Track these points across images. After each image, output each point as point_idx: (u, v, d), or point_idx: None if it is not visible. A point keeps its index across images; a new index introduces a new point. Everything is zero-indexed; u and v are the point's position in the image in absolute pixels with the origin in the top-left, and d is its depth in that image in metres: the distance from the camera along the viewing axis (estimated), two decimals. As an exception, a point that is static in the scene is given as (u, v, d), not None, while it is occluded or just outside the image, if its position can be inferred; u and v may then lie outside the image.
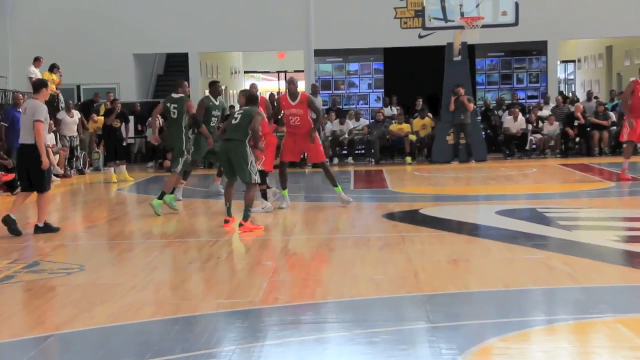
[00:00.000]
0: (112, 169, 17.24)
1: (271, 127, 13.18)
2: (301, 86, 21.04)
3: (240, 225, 9.89)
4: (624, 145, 15.20)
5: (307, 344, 5.42)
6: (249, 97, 10.77)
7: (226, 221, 10.20)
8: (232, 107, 14.30)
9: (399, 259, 7.94)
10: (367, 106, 26.33)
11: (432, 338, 5.34)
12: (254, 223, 10.02)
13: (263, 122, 10.56)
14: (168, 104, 12.06)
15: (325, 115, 20.68)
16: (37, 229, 10.06)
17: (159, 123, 21.20)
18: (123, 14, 24.13)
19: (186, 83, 12.51)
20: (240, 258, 8.75)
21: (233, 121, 10.12)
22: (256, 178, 10.01)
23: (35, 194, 10.20)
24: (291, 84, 11.91)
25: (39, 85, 10.30)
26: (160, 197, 11.65)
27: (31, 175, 10.05)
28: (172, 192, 11.99)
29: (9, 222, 9.99)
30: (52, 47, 22.70)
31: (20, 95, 16.27)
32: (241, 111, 10.27)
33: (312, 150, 11.96)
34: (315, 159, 12.15)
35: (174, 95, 12.13)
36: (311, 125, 11.68)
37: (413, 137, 20.21)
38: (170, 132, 12.31)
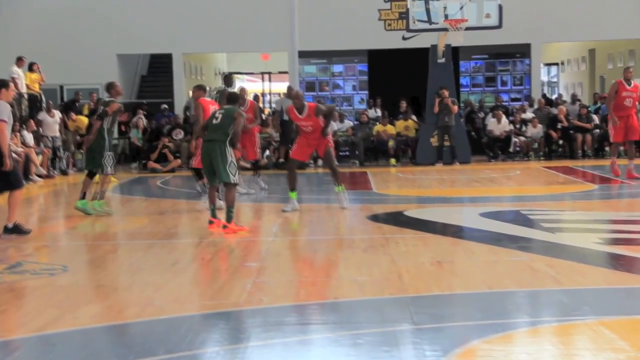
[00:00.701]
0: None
1: (255, 127, 13.27)
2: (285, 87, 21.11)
3: (224, 227, 9.88)
4: (611, 146, 15.87)
5: (291, 346, 5.43)
6: (229, 96, 10.66)
7: (210, 222, 10.16)
8: None
9: (383, 261, 7.96)
10: (351, 108, 26.38)
11: (416, 340, 5.36)
12: (238, 224, 10.00)
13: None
14: (101, 107, 12.18)
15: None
16: (6, 230, 9.80)
17: (143, 124, 21.19)
18: (107, 14, 24.03)
19: (118, 85, 12.32)
20: (225, 259, 8.74)
21: (214, 121, 10.01)
22: (236, 179, 9.94)
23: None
24: (296, 99, 11.72)
25: None
26: (82, 198, 11.72)
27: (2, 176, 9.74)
28: (102, 197, 11.94)
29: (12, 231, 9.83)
30: (35, 46, 22.59)
31: None
32: (222, 111, 10.14)
33: (322, 146, 11.83)
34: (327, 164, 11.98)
35: (106, 99, 12.25)
36: (320, 128, 11.58)
37: (392, 143, 20.23)
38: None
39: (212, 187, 10.26)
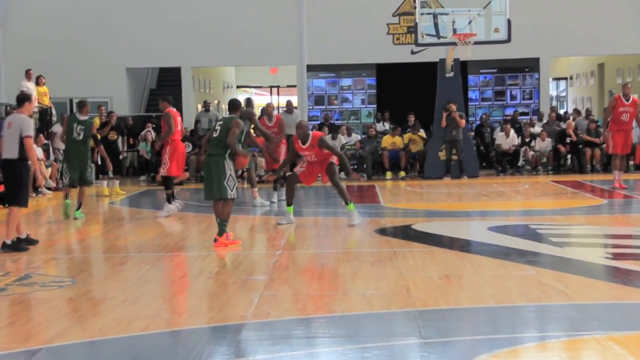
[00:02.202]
0: (104, 182, 17.21)
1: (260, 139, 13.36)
2: (294, 101, 21.13)
3: (215, 240, 9.87)
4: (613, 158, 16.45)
5: (298, 359, 5.43)
6: (230, 103, 10.51)
7: (215, 239, 10.12)
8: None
9: (391, 275, 7.95)
10: (359, 121, 26.39)
11: (423, 354, 5.36)
12: (230, 239, 9.95)
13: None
14: (74, 125, 13.01)
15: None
16: (4, 246, 9.80)
17: (151, 137, 21.27)
18: (116, 28, 24.15)
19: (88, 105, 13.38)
20: (232, 272, 8.74)
21: (214, 134, 9.95)
22: (233, 193, 9.83)
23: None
24: (299, 128, 11.51)
25: (21, 100, 10.16)
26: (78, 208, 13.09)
27: (9, 190, 9.91)
28: (79, 207, 13.14)
29: (22, 241, 9.94)
30: (45, 60, 22.76)
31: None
32: (221, 122, 10.04)
33: (326, 172, 11.74)
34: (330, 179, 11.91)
35: (80, 117, 13.10)
36: (330, 156, 11.44)
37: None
38: (77, 152, 13.05)
39: (216, 202, 10.09)
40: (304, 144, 11.41)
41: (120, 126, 18.15)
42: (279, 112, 18.80)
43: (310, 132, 11.57)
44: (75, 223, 12.72)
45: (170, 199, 13.37)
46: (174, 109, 13.42)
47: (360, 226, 11.33)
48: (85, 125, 13.06)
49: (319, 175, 12.00)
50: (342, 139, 21.35)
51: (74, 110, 20.39)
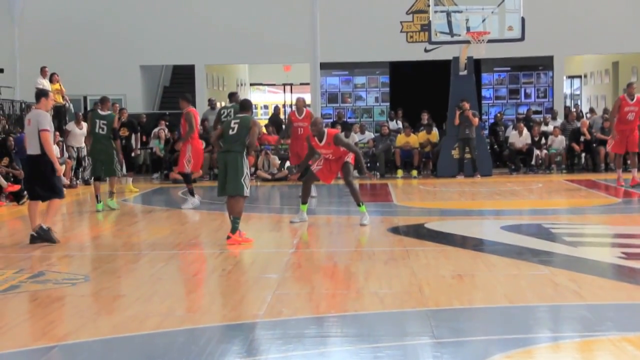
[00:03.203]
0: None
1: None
2: (307, 98, 21.14)
3: (228, 237, 9.89)
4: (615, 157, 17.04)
5: (311, 358, 5.42)
6: (242, 103, 10.52)
7: (229, 237, 10.13)
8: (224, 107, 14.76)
9: (404, 274, 7.93)
10: (372, 119, 26.35)
11: (436, 353, 5.34)
12: (242, 236, 9.96)
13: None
14: (96, 120, 13.61)
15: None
16: (41, 230, 10.04)
17: (164, 134, 21.31)
18: (130, 26, 24.23)
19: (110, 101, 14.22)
20: (245, 270, 8.75)
21: (230, 132, 9.94)
22: (248, 191, 9.88)
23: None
24: (314, 125, 11.44)
25: (38, 95, 10.43)
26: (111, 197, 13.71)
27: (40, 186, 10.09)
28: (111, 196, 13.75)
29: (36, 240, 10.03)
30: (60, 57, 22.85)
31: None
32: (237, 120, 10.05)
33: (341, 171, 11.71)
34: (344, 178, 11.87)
35: (101, 112, 13.67)
36: (347, 154, 11.42)
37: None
38: (101, 145, 13.65)
39: (229, 199, 10.10)
40: (320, 141, 11.39)
41: (132, 123, 18.19)
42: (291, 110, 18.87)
43: (325, 130, 11.53)
44: (94, 217, 12.80)
45: (193, 192, 13.84)
46: (194, 108, 13.91)
47: (373, 225, 11.30)
48: (107, 119, 13.60)
49: (338, 173, 11.95)
50: (355, 136, 21.31)
51: (93, 107, 20.66)
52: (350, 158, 11.55)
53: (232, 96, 15.71)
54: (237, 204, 9.90)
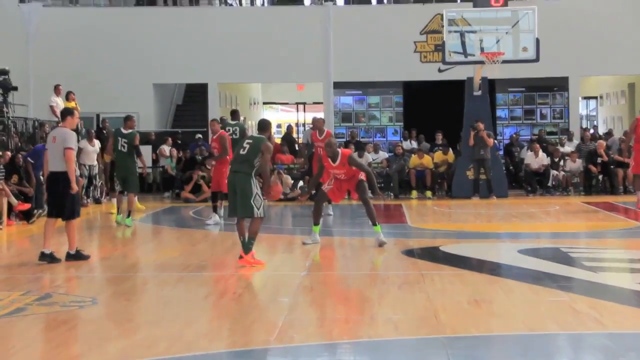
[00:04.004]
0: (114, 199, 16.93)
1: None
2: (320, 116, 21.02)
3: (240, 257, 9.74)
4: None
5: (323, 388, 5.26)
6: (260, 124, 10.37)
7: (241, 257, 9.98)
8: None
9: (419, 299, 7.76)
10: (385, 139, 26.23)
11: (454, 384, 5.16)
12: (256, 258, 9.79)
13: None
14: (118, 138, 14.25)
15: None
16: (69, 256, 10.22)
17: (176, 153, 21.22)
18: (144, 45, 24.26)
19: (133, 119, 14.74)
20: (256, 294, 8.60)
21: (241, 151, 9.81)
22: (260, 212, 9.67)
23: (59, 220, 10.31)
24: (328, 147, 11.30)
25: (64, 114, 10.64)
26: (128, 215, 14.13)
27: (60, 203, 10.17)
28: (128, 215, 14.17)
29: (45, 259, 10.08)
30: (73, 75, 22.83)
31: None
32: (250, 140, 9.92)
33: (353, 185, 11.58)
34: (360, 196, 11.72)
35: (124, 130, 14.28)
36: (359, 173, 11.28)
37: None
38: (123, 162, 14.31)
39: (240, 221, 9.92)
40: (334, 162, 11.25)
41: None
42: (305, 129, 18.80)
43: (339, 150, 11.40)
44: (104, 237, 12.76)
45: (217, 209, 14.20)
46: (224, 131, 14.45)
47: (387, 247, 11.13)
48: (128, 138, 14.18)
49: (348, 191, 11.83)
50: (369, 156, 21.17)
51: (103, 125, 20.73)
52: (363, 176, 11.41)
53: (234, 114, 15.76)
54: (253, 225, 9.73)
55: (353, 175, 11.34)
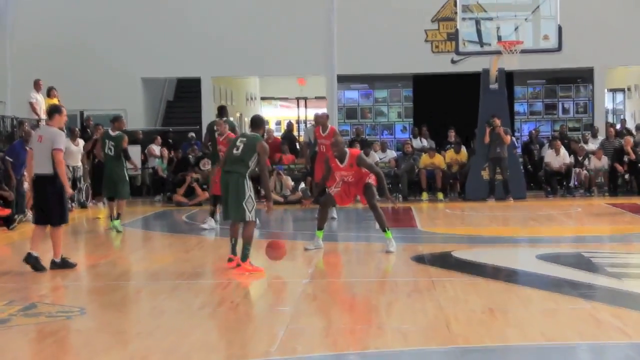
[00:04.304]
0: (100, 203, 17.17)
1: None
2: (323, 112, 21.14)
3: (238, 265, 9.93)
4: None
5: (328, 401, 5.40)
6: (254, 120, 10.56)
7: (230, 259, 10.21)
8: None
9: (429, 307, 7.90)
10: (393, 137, 26.34)
11: (466, 397, 5.30)
12: (254, 265, 9.98)
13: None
14: (106, 140, 14.59)
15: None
16: (54, 265, 10.27)
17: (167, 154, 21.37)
18: (131, 35, 24.38)
19: (122, 119, 15.23)
20: (255, 303, 8.74)
21: (234, 151, 9.98)
22: (252, 215, 9.88)
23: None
24: (335, 146, 11.43)
25: (51, 111, 10.64)
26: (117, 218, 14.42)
27: (48, 208, 10.25)
28: (117, 217, 14.44)
29: (31, 260, 10.18)
30: (54, 70, 22.94)
31: (32, 131, 16.47)
32: (243, 139, 10.08)
33: (361, 187, 11.71)
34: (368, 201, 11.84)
35: (111, 132, 14.63)
36: (367, 175, 11.44)
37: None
38: (111, 167, 14.59)
39: (233, 223, 10.22)
40: (341, 163, 11.38)
41: None
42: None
43: (348, 150, 11.53)
44: (91, 243, 12.91)
45: (214, 214, 14.42)
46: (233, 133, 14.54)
47: (396, 253, 11.27)
48: (116, 140, 14.46)
49: (357, 196, 11.94)
50: (376, 155, 21.32)
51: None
52: (372, 179, 11.51)
53: (222, 110, 15.52)
54: (246, 230, 9.94)
55: (361, 178, 11.46)
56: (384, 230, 11.38)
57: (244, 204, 9.80)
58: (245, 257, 9.90)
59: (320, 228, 11.65)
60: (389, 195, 12.00)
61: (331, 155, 11.52)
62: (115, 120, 14.89)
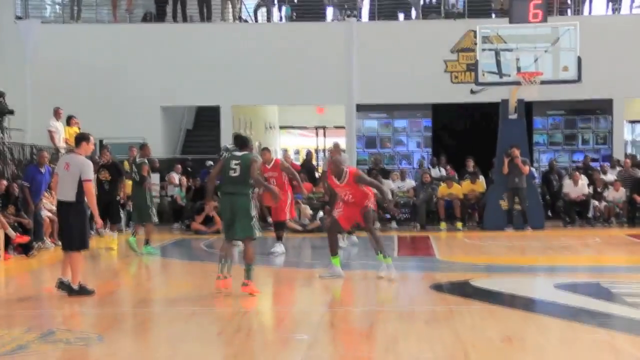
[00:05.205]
0: (110, 231, 16.99)
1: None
2: (342, 143, 21.19)
3: (244, 285, 10.10)
4: None
5: None
6: (240, 140, 10.80)
7: (218, 277, 10.41)
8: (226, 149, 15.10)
9: (447, 336, 7.89)
10: (411, 166, 26.33)
11: None
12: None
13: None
14: (132, 167, 15.54)
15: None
16: (72, 292, 10.32)
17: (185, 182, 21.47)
18: (150, 65, 24.49)
19: (148, 147, 15.90)
20: (273, 330, 8.75)
21: (232, 173, 10.26)
22: (258, 233, 10.29)
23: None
24: (333, 164, 11.62)
25: (79, 139, 10.69)
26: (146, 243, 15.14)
27: (69, 233, 10.38)
28: (146, 243, 15.17)
29: (64, 286, 10.29)
30: (74, 99, 22.94)
31: (45, 154, 16.61)
32: (237, 160, 10.33)
33: (362, 218, 11.78)
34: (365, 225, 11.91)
35: (137, 159, 15.51)
36: (369, 195, 11.54)
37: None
38: (135, 192, 15.44)
39: (228, 241, 10.54)
40: (339, 180, 11.49)
41: (115, 166, 17.41)
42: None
43: (346, 168, 11.62)
44: (109, 270, 13.22)
45: (282, 238, 15.00)
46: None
47: (414, 281, 11.28)
48: (138, 167, 15.29)
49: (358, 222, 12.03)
50: (392, 184, 21.27)
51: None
52: (371, 203, 11.61)
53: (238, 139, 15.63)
54: (248, 250, 10.27)
55: (362, 198, 11.51)
56: (377, 254, 11.57)
57: (252, 222, 10.20)
58: (250, 276, 10.17)
59: (334, 254, 11.67)
60: (392, 207, 12.06)
61: (329, 171, 11.72)
62: (142, 147, 15.73)
